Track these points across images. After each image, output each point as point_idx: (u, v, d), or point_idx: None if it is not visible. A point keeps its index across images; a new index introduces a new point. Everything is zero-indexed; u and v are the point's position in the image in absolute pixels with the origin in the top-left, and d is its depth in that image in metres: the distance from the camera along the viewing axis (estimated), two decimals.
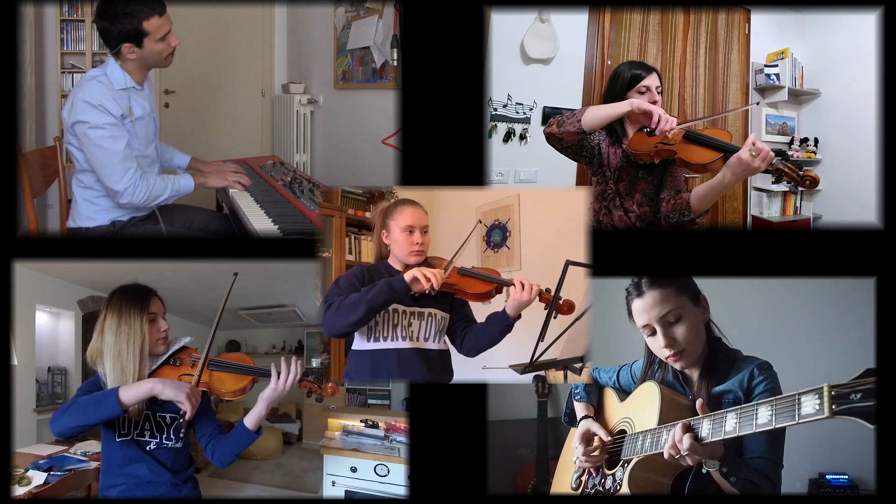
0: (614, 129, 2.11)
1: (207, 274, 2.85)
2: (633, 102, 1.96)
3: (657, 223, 2.11)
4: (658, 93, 2.06)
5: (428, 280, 1.67)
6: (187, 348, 1.79)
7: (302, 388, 1.75)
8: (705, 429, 1.35)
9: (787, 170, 1.85)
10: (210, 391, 1.74)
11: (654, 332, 1.53)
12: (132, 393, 1.59)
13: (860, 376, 1.14)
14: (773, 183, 1.96)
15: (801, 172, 1.87)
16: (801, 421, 1.18)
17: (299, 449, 4.56)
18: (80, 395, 1.67)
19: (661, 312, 1.51)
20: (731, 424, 1.30)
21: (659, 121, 1.92)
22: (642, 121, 2.01)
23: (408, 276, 1.69)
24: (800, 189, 1.93)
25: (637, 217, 2.10)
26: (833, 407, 1.13)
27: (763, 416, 1.25)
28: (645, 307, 1.53)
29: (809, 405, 1.17)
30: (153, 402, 1.71)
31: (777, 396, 1.25)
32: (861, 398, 1.11)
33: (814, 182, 1.87)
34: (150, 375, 1.70)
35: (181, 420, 1.69)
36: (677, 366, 1.55)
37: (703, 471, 1.39)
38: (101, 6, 2.23)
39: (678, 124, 1.97)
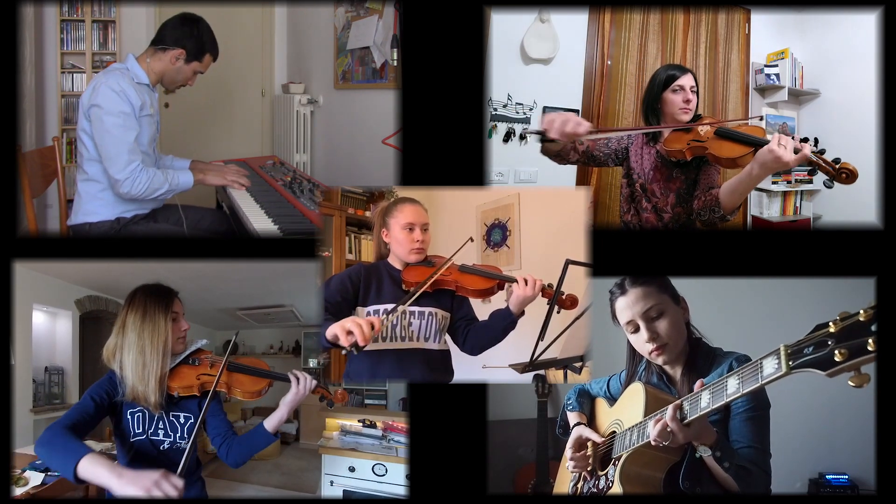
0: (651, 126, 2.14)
1: (204, 274, 2.85)
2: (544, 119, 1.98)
3: (691, 224, 2.12)
4: (693, 92, 2.09)
5: (350, 334, 1.51)
6: (203, 350, 1.81)
7: (316, 394, 1.79)
8: (684, 409, 1.39)
9: (822, 162, 1.83)
10: (228, 392, 1.76)
11: (637, 329, 1.57)
12: (90, 473, 1.47)
13: (811, 332, 1.20)
14: (808, 175, 1.94)
15: (838, 165, 1.84)
16: (764, 382, 1.25)
17: (297, 449, 4.56)
18: (86, 401, 1.66)
19: (644, 307, 1.55)
20: (705, 400, 1.35)
21: (552, 125, 1.92)
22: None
23: (329, 332, 1.55)
24: (836, 183, 1.87)
25: (671, 218, 2.12)
26: (790, 363, 1.20)
27: (732, 386, 1.31)
28: (628, 304, 1.57)
29: (769, 366, 1.24)
30: (168, 402, 1.72)
31: (743, 366, 1.31)
32: (813, 350, 1.17)
33: (851, 175, 1.83)
34: (169, 374, 1.71)
35: (194, 421, 1.71)
36: (659, 360, 1.57)
37: (697, 455, 1.42)
38: (191, 16, 2.46)
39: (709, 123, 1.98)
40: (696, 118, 2.12)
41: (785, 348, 1.21)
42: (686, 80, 2.10)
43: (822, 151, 1.85)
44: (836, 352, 1.12)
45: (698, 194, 2.06)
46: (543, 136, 2.00)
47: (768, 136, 1.87)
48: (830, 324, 1.16)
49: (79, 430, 1.61)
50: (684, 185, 2.11)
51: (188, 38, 2.42)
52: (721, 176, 2.13)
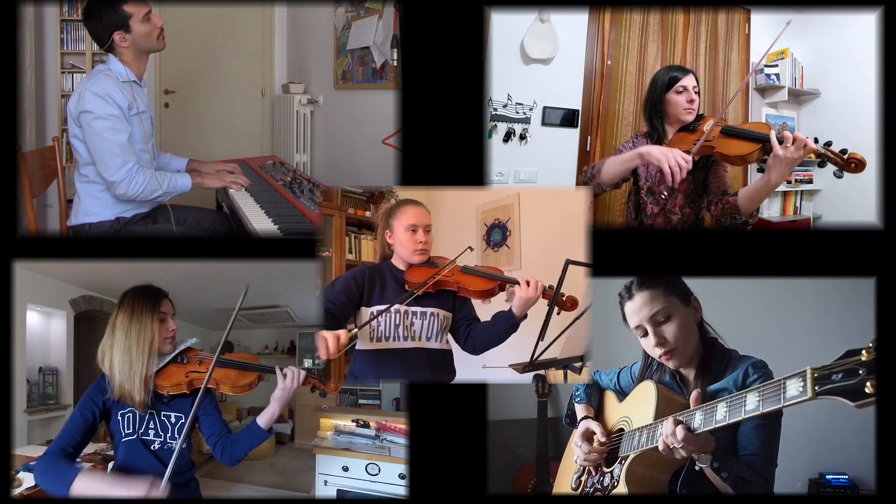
0: (655, 129, 2.16)
1: (200, 274, 2.84)
2: (641, 152, 2.01)
3: (699, 225, 2.14)
4: (696, 93, 2.12)
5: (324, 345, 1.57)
6: (192, 349, 1.81)
7: (308, 385, 1.77)
8: (697, 420, 1.37)
9: (830, 154, 1.85)
10: (217, 387, 1.76)
11: (645, 333, 1.55)
12: (85, 492, 1.56)
13: (841, 357, 1.15)
14: (819, 166, 1.95)
15: (846, 156, 1.85)
16: (786, 404, 1.20)
17: (291, 448, 4.57)
18: (76, 417, 1.69)
19: (651, 312, 1.53)
20: (721, 413, 1.32)
21: (671, 171, 1.94)
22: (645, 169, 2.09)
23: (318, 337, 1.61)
24: (845, 173, 1.87)
25: (680, 220, 2.13)
26: (816, 388, 1.15)
27: (751, 403, 1.27)
28: (635, 308, 1.55)
29: (794, 388, 1.19)
30: (158, 401, 1.72)
31: (764, 383, 1.27)
32: (842, 378, 1.12)
33: (860, 165, 1.84)
34: (158, 373, 1.72)
35: (185, 421, 1.70)
36: (670, 364, 1.56)
37: (696, 467, 1.39)
38: (84, 11, 2.38)
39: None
40: (699, 118, 2.14)
41: (811, 371, 1.16)
42: (689, 81, 2.13)
43: (829, 143, 1.86)
44: (868, 383, 1.07)
45: (713, 199, 2.08)
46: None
47: (771, 133, 1.88)
48: (863, 352, 1.11)
49: (71, 453, 1.65)
50: (692, 186, 2.13)
51: (102, 20, 2.33)
52: (737, 174, 2.14)
